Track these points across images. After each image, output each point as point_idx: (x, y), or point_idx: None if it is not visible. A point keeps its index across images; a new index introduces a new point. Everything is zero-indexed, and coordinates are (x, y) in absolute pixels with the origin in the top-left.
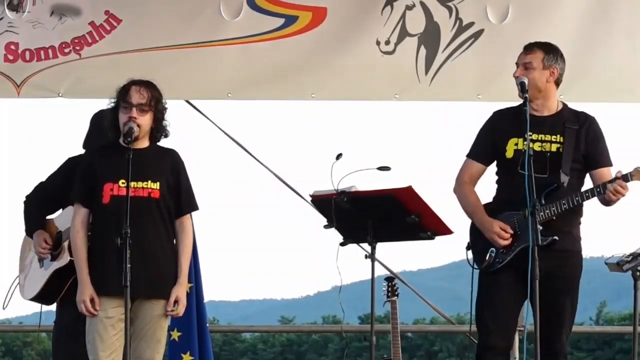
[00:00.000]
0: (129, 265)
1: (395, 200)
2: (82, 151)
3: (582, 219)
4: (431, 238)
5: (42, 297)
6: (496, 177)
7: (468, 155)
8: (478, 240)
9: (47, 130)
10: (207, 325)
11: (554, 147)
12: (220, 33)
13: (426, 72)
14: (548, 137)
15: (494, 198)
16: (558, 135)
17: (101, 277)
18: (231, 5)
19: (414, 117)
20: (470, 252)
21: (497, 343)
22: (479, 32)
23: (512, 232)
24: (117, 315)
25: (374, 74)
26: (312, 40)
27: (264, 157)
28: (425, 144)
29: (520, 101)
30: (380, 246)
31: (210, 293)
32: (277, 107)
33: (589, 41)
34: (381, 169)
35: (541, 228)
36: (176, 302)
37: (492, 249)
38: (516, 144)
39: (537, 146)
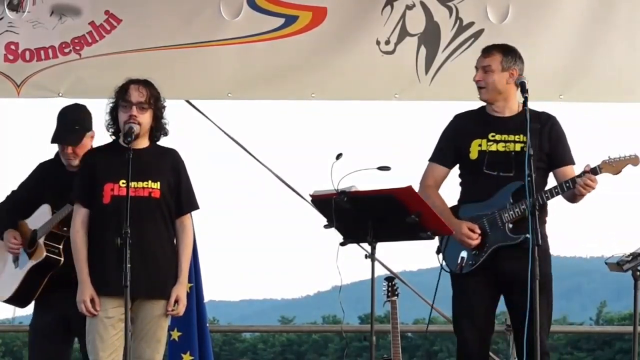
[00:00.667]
0: (129, 265)
1: (395, 200)
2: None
3: (547, 219)
4: (431, 238)
5: (17, 298)
6: (460, 180)
7: (431, 159)
8: (448, 244)
9: (47, 131)
10: (207, 325)
11: (517, 147)
12: (220, 33)
13: (426, 72)
14: (512, 137)
15: (460, 200)
16: (521, 135)
17: (101, 277)
18: (231, 5)
19: (414, 117)
20: (440, 256)
21: (475, 350)
22: (479, 32)
23: (480, 232)
24: (117, 315)
25: (374, 74)
26: (312, 40)
27: (264, 157)
28: (425, 144)
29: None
30: (380, 246)
31: (210, 293)
32: (277, 107)
33: (589, 41)
34: (381, 169)
35: (511, 227)
36: (176, 301)
37: (463, 251)
38: (480, 145)
39: (501, 146)
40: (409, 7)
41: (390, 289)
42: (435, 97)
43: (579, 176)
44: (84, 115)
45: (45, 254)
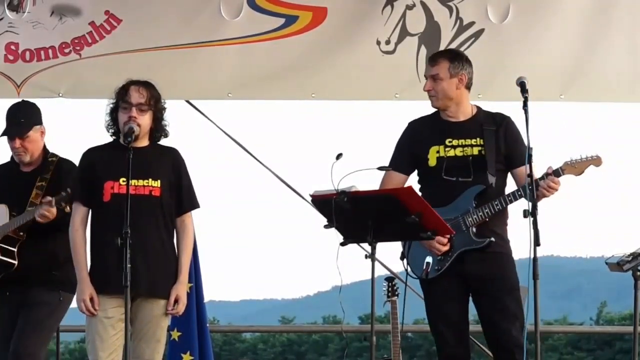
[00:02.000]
0: (129, 265)
1: (396, 200)
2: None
3: (508, 221)
4: (431, 238)
5: None
6: (419, 186)
7: (389, 167)
8: (411, 250)
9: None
10: (207, 325)
11: (475, 151)
12: (220, 33)
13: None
14: (468, 142)
15: None
16: (478, 139)
17: (102, 277)
18: (231, 5)
19: (414, 117)
20: (405, 262)
21: (456, 352)
22: (480, 32)
23: (448, 238)
24: (117, 316)
25: (374, 74)
26: (312, 40)
27: (264, 157)
28: None
29: (518, 105)
30: (381, 246)
31: (210, 293)
32: (277, 107)
33: (589, 41)
34: (381, 169)
35: (475, 231)
36: (176, 301)
37: (428, 257)
38: (437, 152)
39: (458, 151)
40: (409, 7)
41: (390, 289)
42: None
43: (542, 178)
44: (31, 110)
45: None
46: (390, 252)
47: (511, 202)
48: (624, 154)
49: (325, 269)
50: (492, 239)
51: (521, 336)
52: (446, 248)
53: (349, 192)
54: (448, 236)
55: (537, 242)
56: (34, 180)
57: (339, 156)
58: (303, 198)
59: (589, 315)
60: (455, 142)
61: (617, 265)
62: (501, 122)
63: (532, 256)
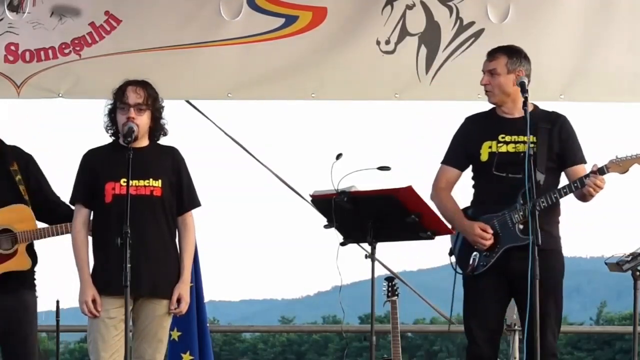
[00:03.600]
0: (129, 265)
1: (395, 200)
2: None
3: (560, 218)
4: (431, 238)
5: None
6: (472, 182)
7: (443, 162)
8: (460, 245)
9: (47, 131)
10: (207, 325)
11: (527, 148)
12: (220, 33)
13: (426, 72)
14: (521, 138)
15: (472, 202)
16: (531, 136)
17: (103, 277)
18: (231, 5)
19: (414, 117)
20: (453, 258)
21: (484, 352)
22: (480, 32)
23: (492, 232)
24: (120, 316)
25: (374, 74)
26: (312, 40)
27: (264, 157)
28: (426, 144)
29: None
30: (380, 246)
31: (211, 293)
32: (277, 107)
33: (589, 41)
34: (381, 169)
35: (521, 227)
36: (179, 300)
37: (474, 253)
38: (490, 147)
39: (510, 147)
40: (409, 7)
41: (390, 289)
42: (435, 97)
43: (587, 176)
44: None
45: None
46: (390, 252)
47: (557, 199)
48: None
49: (325, 269)
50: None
51: (556, 343)
52: (490, 242)
53: (349, 192)
54: (491, 230)
55: (537, 242)
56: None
57: (339, 156)
58: (303, 198)
59: (589, 315)
60: (508, 138)
61: (617, 265)
62: (556, 121)
63: (531, 256)
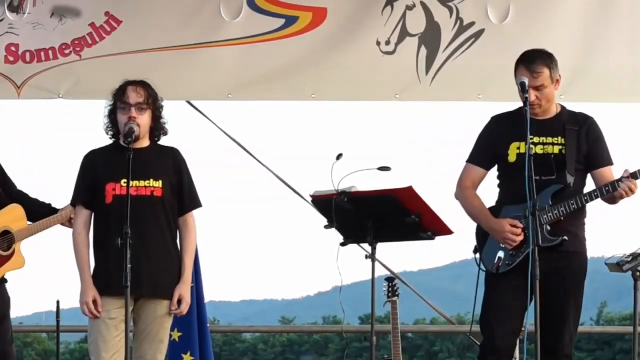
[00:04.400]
0: (129, 266)
1: (396, 200)
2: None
3: (585, 220)
4: (431, 238)
5: None
6: (498, 181)
7: (469, 160)
8: (485, 243)
9: (47, 131)
10: (208, 325)
11: (556, 149)
12: (220, 33)
13: (426, 72)
14: (549, 140)
15: (498, 201)
16: (559, 137)
17: (104, 278)
18: (231, 5)
19: (414, 117)
20: (477, 255)
21: (502, 347)
22: (480, 32)
23: (522, 227)
24: (120, 316)
25: (374, 74)
26: (312, 41)
27: (264, 157)
28: (425, 144)
29: (517, 105)
30: (381, 246)
31: (211, 293)
32: (277, 107)
33: (589, 41)
34: (381, 169)
35: (549, 228)
36: (179, 300)
37: (500, 251)
38: (518, 148)
39: (539, 149)
40: (409, 7)
41: (390, 289)
42: (435, 97)
43: (619, 180)
44: None
45: None
46: (391, 253)
47: (587, 202)
48: (624, 154)
49: (325, 269)
50: (565, 237)
51: (572, 345)
52: (520, 237)
53: (349, 192)
54: (521, 225)
55: (537, 242)
56: None
57: (339, 156)
58: (303, 198)
59: (589, 315)
60: (536, 140)
61: (617, 265)
62: (584, 122)
63: (531, 256)
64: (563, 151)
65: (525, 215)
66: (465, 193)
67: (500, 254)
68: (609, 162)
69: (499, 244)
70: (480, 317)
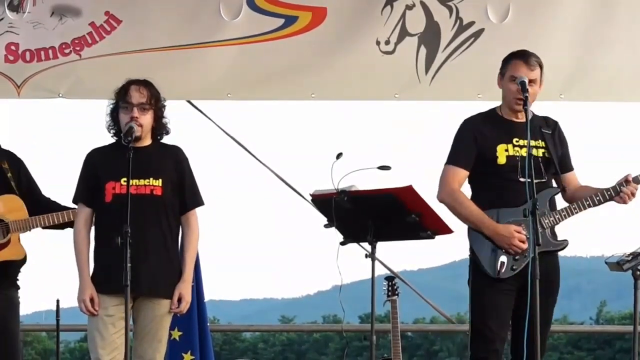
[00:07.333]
0: (129, 265)
1: (396, 199)
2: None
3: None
4: (431, 237)
5: None
6: (480, 183)
7: (452, 163)
8: (483, 248)
9: (47, 131)
10: (208, 324)
11: (540, 152)
12: (220, 33)
13: (426, 72)
14: (533, 143)
15: (483, 204)
16: (540, 141)
17: (103, 275)
18: (231, 5)
19: (414, 117)
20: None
21: (499, 348)
22: (480, 32)
23: (525, 233)
24: (118, 314)
25: (374, 74)
26: (312, 40)
27: (264, 156)
28: (425, 144)
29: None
30: (381, 245)
31: (211, 292)
32: (277, 107)
33: (589, 41)
34: (381, 168)
35: (550, 232)
36: (180, 299)
37: (502, 256)
38: (506, 150)
39: (524, 152)
40: (409, 7)
41: (390, 288)
42: (435, 97)
43: (621, 185)
44: None
45: None
46: (391, 252)
47: (590, 207)
48: (624, 154)
49: (325, 268)
50: (567, 239)
51: (545, 345)
52: (526, 246)
53: (349, 191)
54: (525, 232)
55: (537, 242)
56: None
57: (339, 156)
58: (303, 197)
59: (589, 315)
60: (522, 142)
61: (617, 265)
62: (555, 126)
63: (531, 256)
64: (546, 154)
65: (525, 220)
66: (458, 197)
67: (503, 258)
68: (572, 167)
69: (499, 248)
70: (477, 319)
